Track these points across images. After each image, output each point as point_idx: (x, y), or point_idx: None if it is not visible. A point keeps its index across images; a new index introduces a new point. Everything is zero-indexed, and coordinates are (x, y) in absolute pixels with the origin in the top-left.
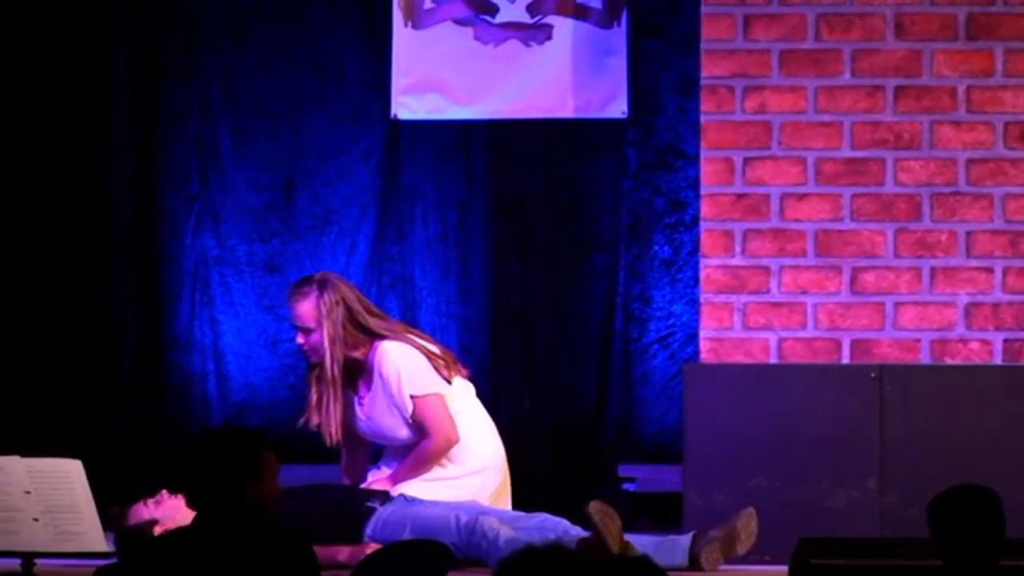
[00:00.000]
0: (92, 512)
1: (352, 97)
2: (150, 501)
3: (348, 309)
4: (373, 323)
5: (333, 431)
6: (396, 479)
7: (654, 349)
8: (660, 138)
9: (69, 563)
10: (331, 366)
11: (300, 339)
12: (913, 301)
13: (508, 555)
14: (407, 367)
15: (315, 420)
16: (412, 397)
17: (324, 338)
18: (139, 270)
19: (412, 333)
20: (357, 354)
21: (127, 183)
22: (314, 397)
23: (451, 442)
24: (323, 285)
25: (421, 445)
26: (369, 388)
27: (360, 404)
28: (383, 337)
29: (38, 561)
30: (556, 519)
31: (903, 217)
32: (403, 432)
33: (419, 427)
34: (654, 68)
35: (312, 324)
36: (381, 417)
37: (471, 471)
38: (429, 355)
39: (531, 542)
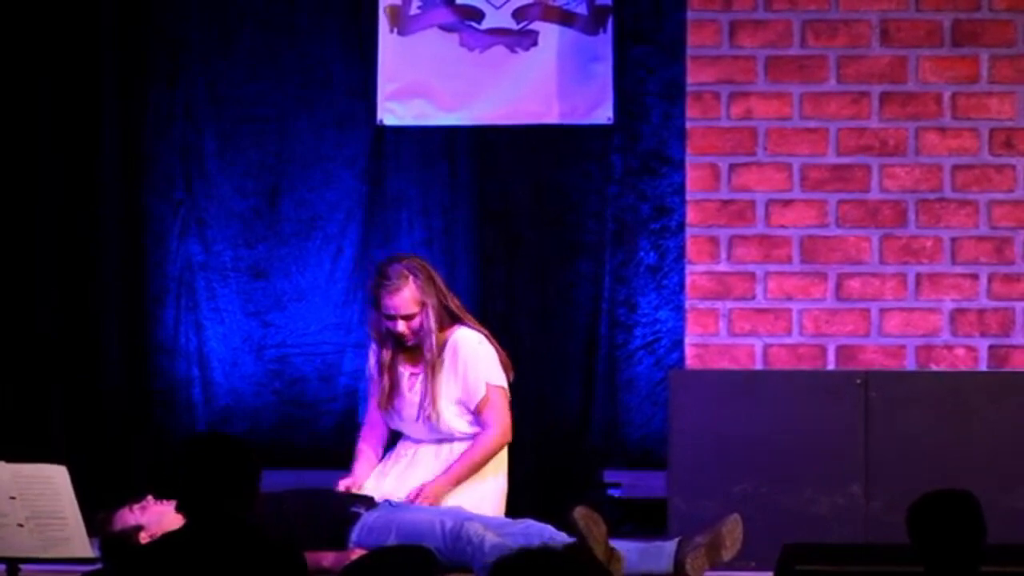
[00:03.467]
0: (77, 518)
1: (337, 103)
2: (135, 507)
3: (436, 288)
4: (455, 305)
5: (431, 410)
6: (456, 475)
7: (639, 355)
8: (645, 144)
9: (54, 569)
10: (434, 346)
11: (401, 327)
12: (898, 307)
13: (499, 558)
14: (487, 355)
15: (388, 405)
16: (487, 384)
17: (429, 317)
18: (124, 275)
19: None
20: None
21: (112, 188)
22: (387, 383)
23: (507, 438)
24: (412, 269)
25: (481, 438)
26: (431, 369)
27: (411, 384)
28: (462, 322)
29: (23, 567)
30: (541, 525)
31: (888, 223)
32: (459, 419)
33: (481, 417)
34: (640, 74)
35: (416, 308)
36: (440, 400)
37: (501, 475)
38: (498, 350)
39: (514, 547)
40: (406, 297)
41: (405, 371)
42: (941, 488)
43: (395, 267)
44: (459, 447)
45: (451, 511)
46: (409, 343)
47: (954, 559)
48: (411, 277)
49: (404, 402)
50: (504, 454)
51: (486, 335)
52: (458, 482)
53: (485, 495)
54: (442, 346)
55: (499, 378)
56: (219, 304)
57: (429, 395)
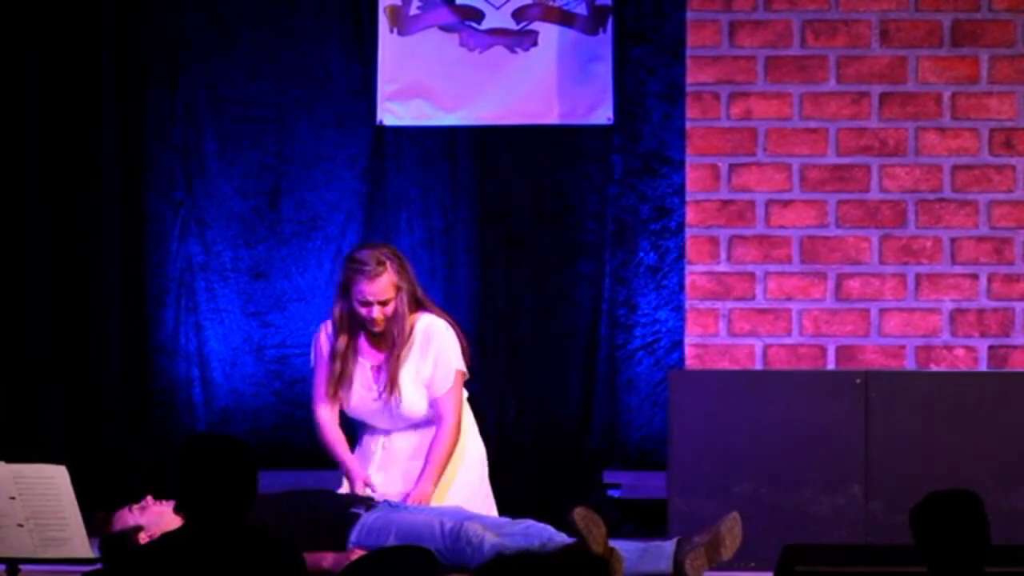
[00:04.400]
0: (77, 518)
1: (338, 103)
2: (135, 507)
3: (408, 274)
4: (420, 291)
5: (388, 394)
6: (434, 473)
7: (639, 355)
8: (645, 144)
9: (54, 569)
10: (405, 329)
11: (376, 313)
12: (898, 308)
13: (486, 560)
14: (455, 342)
15: (337, 392)
16: (456, 372)
17: (403, 302)
18: (125, 276)
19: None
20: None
21: (113, 189)
22: (338, 368)
23: (459, 427)
24: (387, 255)
25: (444, 428)
26: (389, 357)
27: (376, 376)
28: (426, 308)
29: (23, 567)
30: (541, 525)
31: (888, 224)
32: (421, 404)
33: (438, 401)
34: (640, 74)
35: (392, 293)
36: (405, 385)
37: (479, 463)
38: (459, 336)
39: (513, 548)
40: (385, 283)
41: (367, 362)
42: (944, 488)
43: (371, 253)
44: (425, 431)
45: (451, 511)
46: (378, 329)
47: (959, 559)
48: (388, 263)
49: (368, 393)
50: (480, 446)
51: (450, 322)
52: (439, 478)
53: (473, 491)
54: (409, 331)
55: (462, 364)
56: (219, 304)
57: (389, 378)
